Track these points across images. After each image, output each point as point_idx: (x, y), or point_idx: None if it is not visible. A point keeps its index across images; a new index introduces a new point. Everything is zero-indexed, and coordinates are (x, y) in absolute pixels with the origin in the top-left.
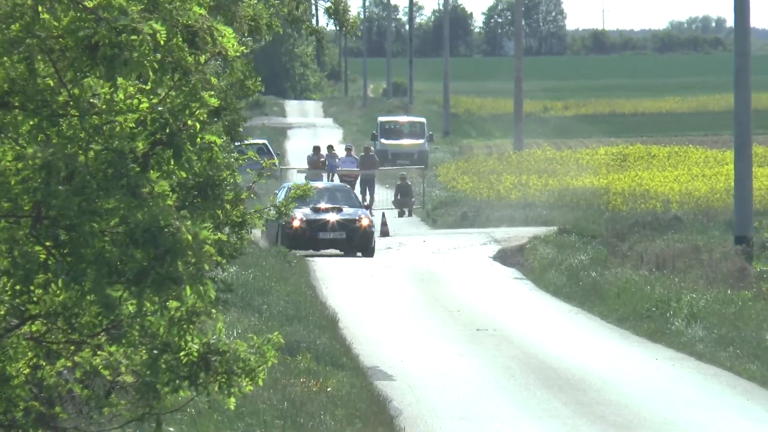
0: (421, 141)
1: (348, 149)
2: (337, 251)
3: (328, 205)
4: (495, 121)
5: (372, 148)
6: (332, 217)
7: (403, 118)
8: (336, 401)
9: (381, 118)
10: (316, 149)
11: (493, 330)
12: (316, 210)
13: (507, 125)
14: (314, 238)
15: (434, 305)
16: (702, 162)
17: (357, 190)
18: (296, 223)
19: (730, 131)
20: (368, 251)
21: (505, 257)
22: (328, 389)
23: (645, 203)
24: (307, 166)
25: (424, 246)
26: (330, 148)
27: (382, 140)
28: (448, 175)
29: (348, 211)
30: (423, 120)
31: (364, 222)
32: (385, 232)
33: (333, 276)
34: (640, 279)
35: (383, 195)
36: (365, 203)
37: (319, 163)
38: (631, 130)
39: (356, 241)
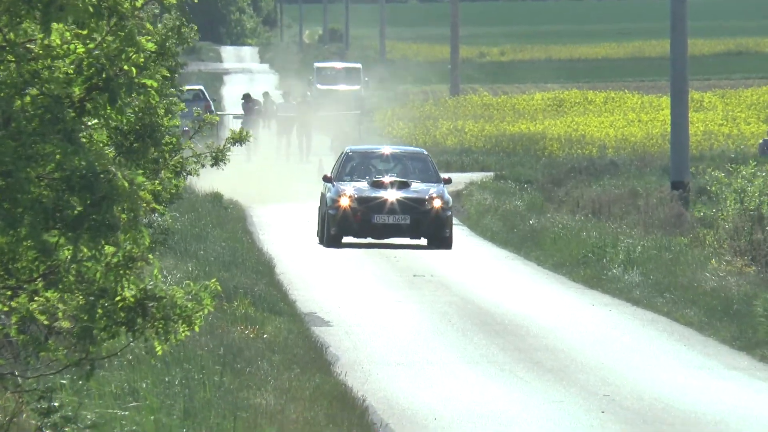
0: (357, 87)
1: (285, 95)
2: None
3: (393, 178)
4: (431, 67)
5: (308, 94)
6: (393, 195)
7: (339, 64)
8: (273, 347)
9: (317, 64)
10: (247, 96)
11: (430, 276)
12: (376, 185)
13: (443, 71)
14: (367, 222)
15: (371, 251)
16: (638, 107)
17: (294, 135)
18: (343, 202)
19: (667, 77)
20: (442, 241)
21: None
22: (266, 335)
23: (581, 149)
24: (242, 112)
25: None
26: (266, 94)
27: (319, 86)
28: (384, 121)
29: (417, 188)
30: (359, 66)
31: (436, 203)
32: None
33: (270, 222)
34: (577, 225)
35: (320, 141)
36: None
37: (254, 109)
38: (568, 76)
39: (424, 228)
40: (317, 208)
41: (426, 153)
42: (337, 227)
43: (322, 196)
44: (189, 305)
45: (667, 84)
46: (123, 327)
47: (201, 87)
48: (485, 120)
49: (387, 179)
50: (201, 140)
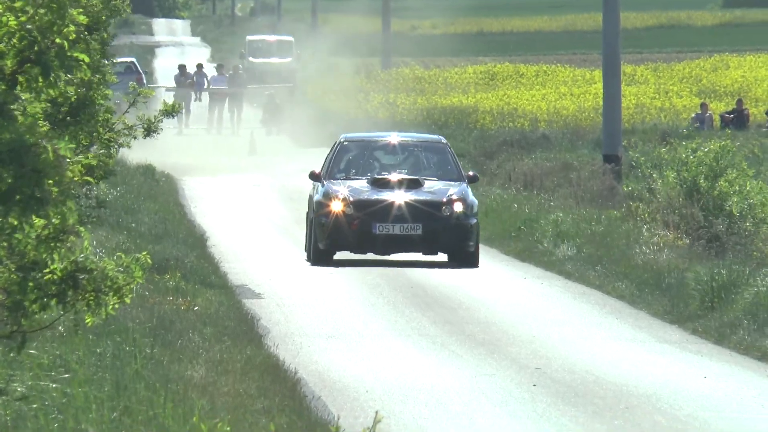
0: (289, 59)
1: (219, 67)
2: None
3: (401, 176)
4: (364, 40)
5: (240, 67)
6: (401, 198)
7: (271, 37)
8: (204, 319)
9: (249, 37)
10: (182, 68)
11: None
12: (378, 184)
13: (375, 44)
14: (367, 233)
15: (302, 224)
16: (570, 81)
17: (225, 108)
18: (336, 207)
19: (599, 50)
20: (465, 257)
21: None
22: (197, 308)
23: (513, 122)
24: (174, 85)
25: (293, 164)
26: (199, 66)
27: (251, 59)
28: (316, 94)
29: (432, 188)
30: (291, 38)
31: (457, 207)
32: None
33: (202, 195)
34: (509, 197)
35: (251, 113)
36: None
37: (186, 82)
38: (500, 49)
39: (442, 240)
40: (305, 214)
41: (444, 141)
42: (328, 240)
43: (310, 199)
44: (120, 277)
45: (600, 57)
46: (54, 300)
47: (133, 59)
48: (417, 93)
49: (393, 177)
50: (133, 113)
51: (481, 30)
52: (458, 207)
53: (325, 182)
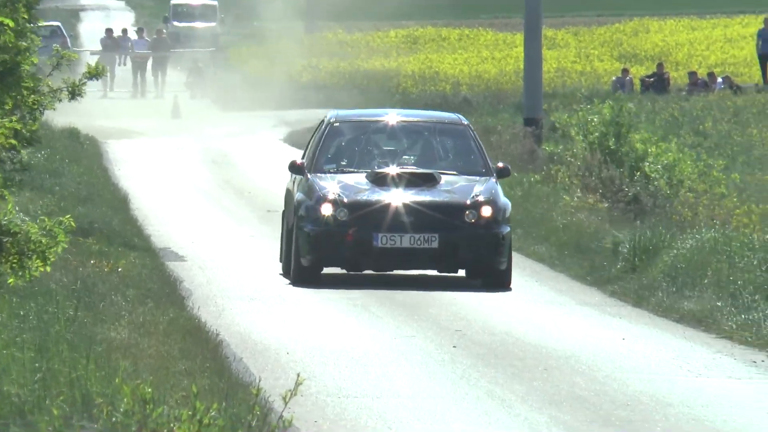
0: (212, 24)
1: (140, 31)
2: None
3: (410, 169)
4: (287, 4)
5: (164, 31)
6: (410, 199)
7: (195, 1)
8: (127, 282)
9: (173, 1)
10: (109, 31)
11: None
12: (380, 180)
13: (299, 7)
14: (366, 244)
15: (225, 187)
16: (492, 45)
17: (149, 71)
18: (325, 210)
19: (521, 14)
20: (495, 275)
21: (294, 139)
22: (120, 270)
23: (435, 85)
24: (100, 48)
25: (216, 128)
26: (123, 31)
27: (174, 23)
28: (239, 58)
29: (451, 185)
30: (215, 3)
31: (485, 211)
32: (176, 115)
33: (126, 158)
34: None
35: (175, 77)
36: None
37: (111, 45)
38: (422, 13)
39: (464, 255)
40: (281, 213)
41: (465, 122)
42: (315, 254)
43: (288, 195)
44: (44, 240)
45: (521, 21)
46: None
47: (58, 24)
48: (340, 57)
49: (399, 170)
50: (58, 76)
51: None
52: (486, 211)
53: (310, 176)
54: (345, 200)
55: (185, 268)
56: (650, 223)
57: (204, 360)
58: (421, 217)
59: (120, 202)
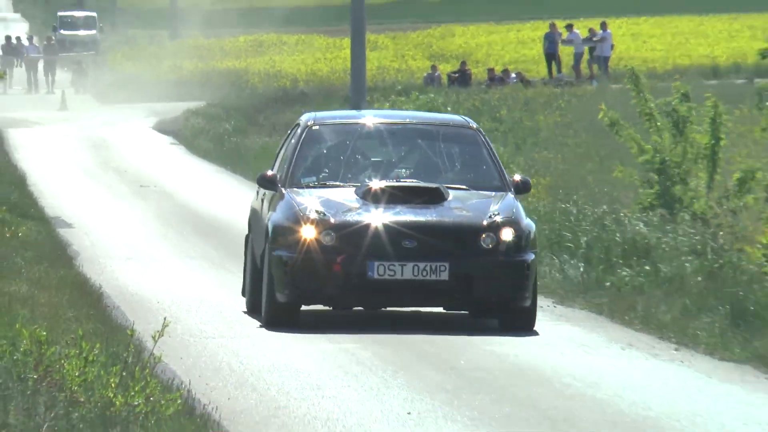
0: (93, 32)
1: (30, 38)
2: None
3: (410, 183)
4: (156, 14)
5: (53, 38)
6: (410, 218)
7: (78, 13)
8: (26, 246)
9: (60, 13)
10: (8, 39)
11: (154, 186)
12: (374, 196)
13: (166, 18)
14: (359, 276)
15: (105, 167)
16: (324, 47)
17: (40, 71)
18: (308, 233)
19: (348, 23)
20: (520, 314)
21: (163, 127)
22: (20, 235)
23: (277, 81)
24: (1, 54)
25: (97, 118)
26: (17, 38)
27: (62, 31)
28: (115, 60)
29: (461, 202)
30: (94, 14)
31: (506, 234)
32: (63, 107)
33: (23, 144)
34: (273, 144)
35: (62, 76)
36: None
37: (11, 50)
38: (267, 23)
39: (482, 288)
40: (245, 237)
41: (475, 126)
42: (293, 289)
43: (255, 214)
44: None
45: (348, 28)
46: None
47: None
48: (198, 59)
49: (396, 184)
50: None
51: (251, 6)
52: (507, 234)
53: (285, 192)
54: (331, 221)
55: (73, 233)
56: None
57: (89, 309)
58: (426, 241)
59: (19, 179)
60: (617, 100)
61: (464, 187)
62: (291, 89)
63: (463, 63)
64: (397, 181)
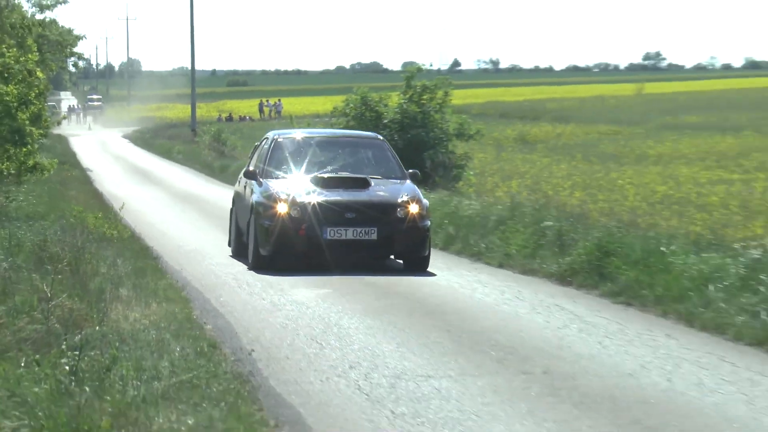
0: (100, 102)
1: (77, 104)
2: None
3: (348, 174)
4: (124, 88)
5: (86, 104)
6: (351, 199)
7: (95, 96)
8: (73, 177)
9: (88, 96)
10: (70, 106)
11: (125, 158)
12: (324, 183)
13: (126, 98)
14: (316, 237)
15: (105, 151)
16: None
17: (81, 117)
18: (281, 209)
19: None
20: (419, 261)
21: (125, 136)
22: (72, 174)
23: (167, 120)
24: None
25: (102, 133)
26: (72, 105)
27: (88, 103)
28: (112, 112)
29: (381, 188)
30: (101, 96)
31: (413, 209)
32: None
33: (75, 142)
34: (164, 142)
35: (89, 118)
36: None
37: (70, 109)
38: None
39: (398, 245)
40: (229, 210)
41: (381, 138)
42: (273, 247)
43: (238, 197)
44: None
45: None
46: None
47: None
48: (145, 111)
49: (337, 175)
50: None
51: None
52: (414, 209)
53: (263, 181)
54: (297, 200)
55: (93, 173)
56: None
57: (99, 202)
58: (362, 214)
59: (72, 154)
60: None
61: (379, 177)
62: (169, 123)
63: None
64: (336, 173)
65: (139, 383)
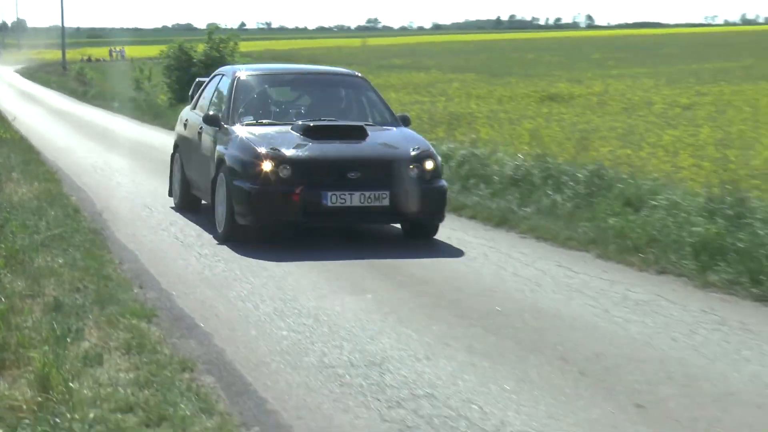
0: None
1: None
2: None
3: (339, 122)
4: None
5: None
6: (352, 152)
7: None
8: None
9: None
10: None
11: (17, 87)
12: (313, 134)
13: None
14: (315, 206)
15: (0, 83)
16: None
17: None
18: (266, 166)
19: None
20: (432, 229)
21: (21, 71)
22: None
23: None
24: None
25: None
26: None
27: None
28: (5, 55)
29: (382, 139)
30: None
31: (428, 164)
32: None
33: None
34: (45, 75)
35: None
36: None
37: None
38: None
39: (414, 210)
40: (169, 164)
41: (361, 75)
42: (256, 214)
43: (186, 143)
44: None
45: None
46: None
47: None
48: (18, 54)
49: (327, 123)
50: None
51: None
52: (429, 165)
53: (230, 128)
54: (286, 155)
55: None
56: None
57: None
58: (369, 173)
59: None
60: None
61: (371, 123)
62: (47, 63)
63: None
64: (326, 121)
65: (24, 236)
